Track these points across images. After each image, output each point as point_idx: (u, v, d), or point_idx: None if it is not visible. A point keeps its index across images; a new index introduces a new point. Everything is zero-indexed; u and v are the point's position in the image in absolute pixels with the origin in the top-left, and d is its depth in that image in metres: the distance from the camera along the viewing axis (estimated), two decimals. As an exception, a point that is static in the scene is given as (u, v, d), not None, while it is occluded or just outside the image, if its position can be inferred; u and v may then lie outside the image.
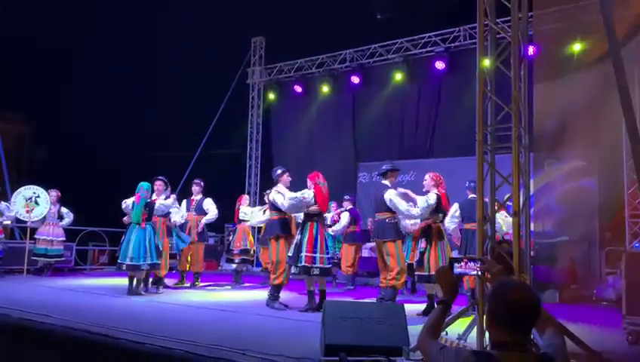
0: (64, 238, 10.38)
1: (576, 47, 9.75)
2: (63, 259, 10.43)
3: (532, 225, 5.94)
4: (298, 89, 13.80)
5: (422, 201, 6.48)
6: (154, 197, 7.92)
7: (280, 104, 14.53)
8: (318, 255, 6.34)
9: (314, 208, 6.47)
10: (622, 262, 5.25)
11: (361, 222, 10.06)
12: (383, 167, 6.93)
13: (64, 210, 10.35)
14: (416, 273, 6.42)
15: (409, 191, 6.89)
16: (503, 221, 6.41)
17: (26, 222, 10.05)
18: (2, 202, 9.89)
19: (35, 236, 9.97)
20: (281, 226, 6.72)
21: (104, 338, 4.21)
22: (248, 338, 4.37)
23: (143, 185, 7.67)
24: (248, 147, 14.76)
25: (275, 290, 6.56)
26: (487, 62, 4.51)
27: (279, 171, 7.07)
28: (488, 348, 2.04)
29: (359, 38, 12.75)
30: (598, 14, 5.12)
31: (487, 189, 4.29)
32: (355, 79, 12.82)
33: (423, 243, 6.49)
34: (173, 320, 5.48)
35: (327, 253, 6.51)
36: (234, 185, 14.61)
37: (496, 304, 1.94)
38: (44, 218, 10.10)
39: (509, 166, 4.23)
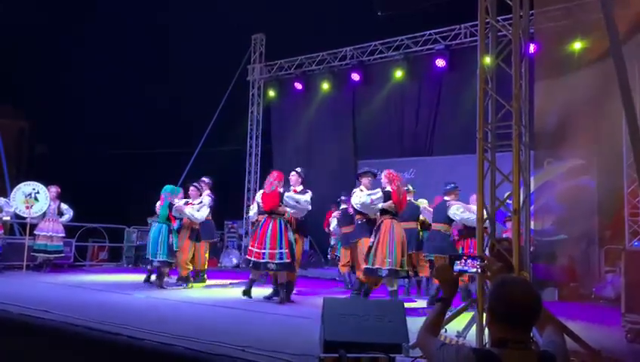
0: (64, 234, 10.39)
1: (577, 45, 9.75)
2: (62, 255, 10.45)
3: (532, 223, 5.96)
4: (298, 86, 13.79)
5: (355, 196, 6.84)
6: (189, 201, 8.44)
7: (280, 101, 14.52)
8: (266, 251, 6.68)
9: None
10: (621, 260, 5.26)
11: None
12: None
13: (64, 206, 10.36)
14: (364, 266, 6.57)
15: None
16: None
17: (25, 218, 10.05)
18: (2, 198, 9.89)
19: (35, 232, 9.97)
20: None
21: (104, 335, 4.21)
22: (248, 335, 4.38)
23: (167, 188, 8.20)
24: (248, 144, 14.74)
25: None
26: (487, 60, 4.51)
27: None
28: (488, 346, 2.04)
29: (359, 35, 12.73)
30: (599, 12, 5.12)
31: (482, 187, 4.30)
32: (356, 76, 12.80)
33: (372, 238, 6.64)
34: (173, 317, 5.48)
35: (281, 248, 6.70)
36: (234, 181, 14.62)
37: (497, 301, 1.93)
38: (44, 214, 10.10)
39: (509, 164, 4.23)
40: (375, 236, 6.55)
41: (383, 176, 6.88)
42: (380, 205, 6.61)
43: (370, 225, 6.87)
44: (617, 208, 8.57)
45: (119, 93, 15.03)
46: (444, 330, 4.42)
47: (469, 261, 2.48)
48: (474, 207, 6.41)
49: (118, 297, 6.82)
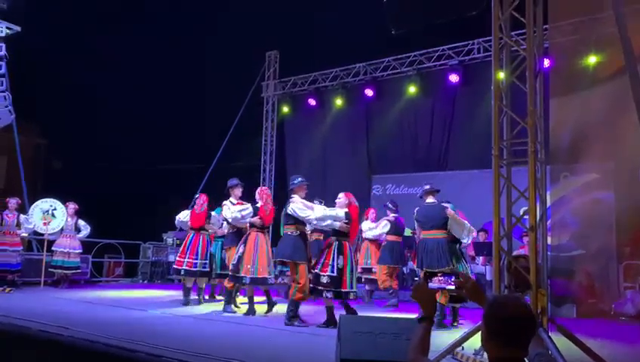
0: (81, 250, 10.49)
1: (592, 59, 9.70)
2: (79, 271, 10.54)
3: (548, 238, 5.90)
4: (312, 102, 13.87)
5: (226, 210, 7.43)
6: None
7: (294, 117, 14.61)
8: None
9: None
10: (640, 276, 5.18)
11: None
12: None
13: (81, 222, 10.47)
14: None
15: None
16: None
17: (43, 234, 10.18)
18: (22, 215, 10.04)
19: (53, 248, 10.09)
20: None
21: (121, 351, 4.23)
22: (263, 352, 4.37)
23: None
24: (262, 160, 14.82)
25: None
26: (502, 76, 4.51)
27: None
28: None
29: (373, 51, 12.81)
30: (613, 26, 5.11)
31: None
32: (369, 92, 12.85)
33: (241, 248, 7.04)
34: (188, 333, 5.49)
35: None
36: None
37: (493, 320, 1.93)
38: (62, 230, 10.22)
39: (524, 179, 4.20)
40: (243, 246, 6.98)
41: (257, 193, 7.46)
42: (249, 219, 7.17)
43: (239, 236, 7.35)
44: (636, 223, 8.45)
45: (135, 110, 15.23)
46: (461, 348, 4.38)
47: (443, 278, 2.49)
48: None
49: (134, 313, 6.85)
